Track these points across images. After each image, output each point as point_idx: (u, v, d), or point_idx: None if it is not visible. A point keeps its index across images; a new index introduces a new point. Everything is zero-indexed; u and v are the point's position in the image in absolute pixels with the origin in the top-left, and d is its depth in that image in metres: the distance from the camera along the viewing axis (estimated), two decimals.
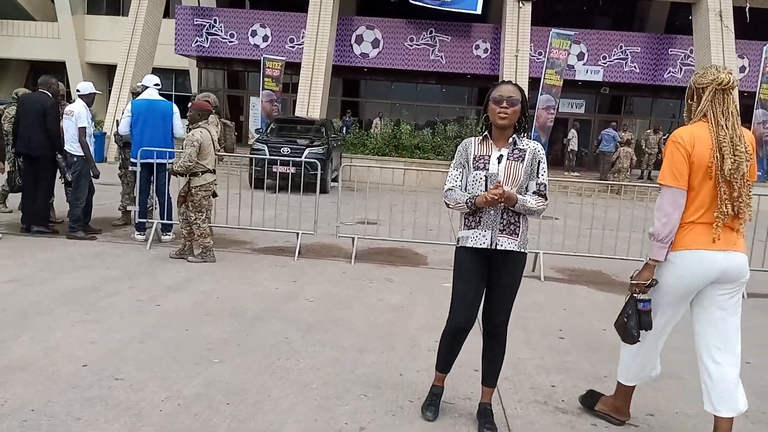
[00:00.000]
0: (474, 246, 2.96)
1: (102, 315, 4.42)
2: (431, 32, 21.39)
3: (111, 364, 3.55)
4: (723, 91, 2.77)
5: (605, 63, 21.19)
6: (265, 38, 21.68)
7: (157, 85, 7.29)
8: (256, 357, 3.80)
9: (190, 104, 6.64)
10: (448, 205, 3.04)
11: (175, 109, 7.27)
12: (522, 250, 2.98)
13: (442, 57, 21.55)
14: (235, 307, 4.83)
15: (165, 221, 7.15)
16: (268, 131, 14.80)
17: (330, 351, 3.99)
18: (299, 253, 6.81)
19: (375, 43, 21.64)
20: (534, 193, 2.96)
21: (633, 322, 2.95)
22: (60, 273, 5.49)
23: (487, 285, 3.05)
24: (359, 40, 21.66)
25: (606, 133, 17.77)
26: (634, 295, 2.96)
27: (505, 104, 2.90)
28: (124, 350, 3.78)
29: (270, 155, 13.00)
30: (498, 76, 20.23)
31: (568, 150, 18.87)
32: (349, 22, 21.46)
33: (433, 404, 3.18)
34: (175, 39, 21.75)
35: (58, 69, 24.04)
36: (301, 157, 13.18)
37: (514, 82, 3.08)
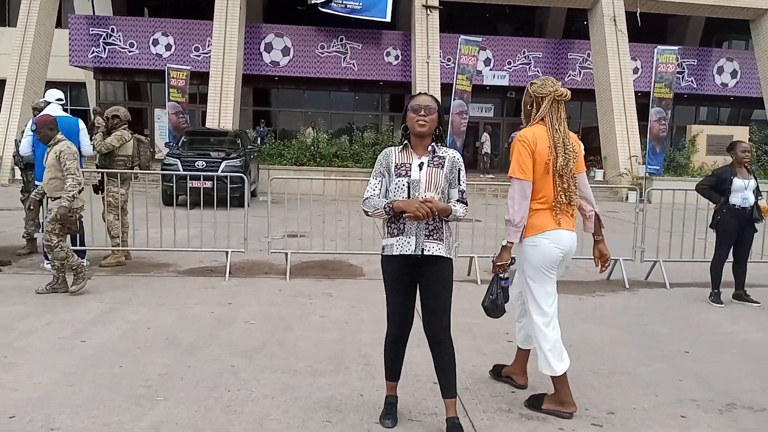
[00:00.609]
0: (400, 253, 2.99)
1: (20, 357, 3.98)
2: (342, 39, 21.34)
3: (41, 413, 3.18)
4: (558, 101, 3.32)
5: (510, 68, 21.97)
6: (168, 47, 20.81)
7: (60, 100, 6.78)
8: (203, 390, 3.54)
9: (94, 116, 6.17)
10: (366, 213, 3.07)
11: (82, 125, 6.76)
12: (449, 256, 3.04)
13: (354, 64, 21.54)
14: (169, 336, 4.50)
15: (78, 247, 6.61)
16: (179, 145, 14.17)
17: (281, 376, 3.78)
18: (229, 272, 6.50)
19: (285, 51, 21.31)
20: (457, 200, 3.06)
21: (500, 299, 3.37)
22: None
23: (420, 294, 3.10)
24: (269, 47, 21.26)
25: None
26: (499, 275, 3.35)
27: (423, 113, 3.01)
28: (53, 396, 3.41)
29: (183, 170, 12.49)
30: (410, 82, 20.52)
31: (482, 153, 19.41)
32: (256, 30, 21.02)
33: (390, 413, 3.19)
34: (70, 50, 20.43)
35: None
36: (217, 170, 12.78)
37: (429, 93, 3.22)
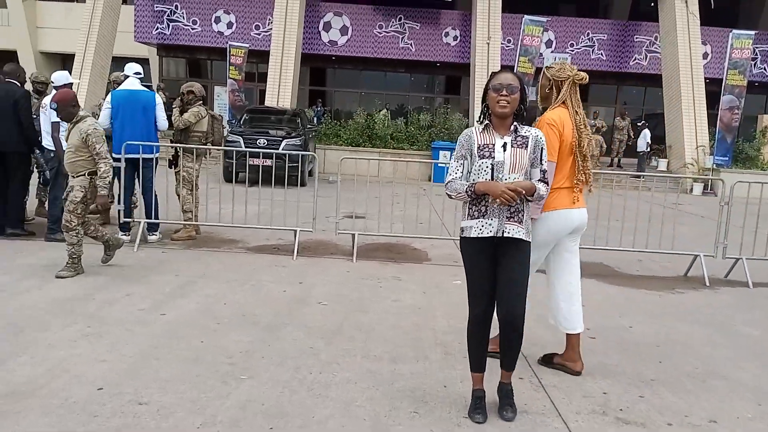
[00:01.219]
0: (480, 236, 2.98)
1: (104, 328, 4.04)
2: (400, 19, 21.09)
3: (130, 386, 3.21)
4: (577, 84, 3.52)
5: (573, 50, 21.30)
6: (229, 25, 20.99)
7: (138, 74, 6.81)
8: (286, 371, 3.51)
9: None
10: (450, 196, 3.09)
11: (159, 99, 6.82)
12: (527, 239, 3.02)
13: (411, 44, 21.29)
14: (246, 313, 4.51)
15: (151, 220, 6.73)
16: (241, 122, 14.30)
17: (362, 361, 3.73)
18: (297, 252, 6.50)
19: (344, 30, 21.21)
20: (539, 180, 3.04)
21: None
22: (46, 281, 5.05)
23: (497, 275, 3.03)
24: (327, 27, 21.19)
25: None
26: None
27: (505, 92, 2.93)
28: (140, 369, 3.44)
29: (245, 147, 12.58)
30: (468, 64, 20.14)
31: None
32: (316, 8, 20.96)
33: (479, 408, 3.09)
34: (135, 26, 20.85)
35: (7, 58, 22.76)
36: (278, 148, 12.84)
37: (512, 71, 3.09)
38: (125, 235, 6.63)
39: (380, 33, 21.22)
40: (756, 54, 20.75)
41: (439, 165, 14.87)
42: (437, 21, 21.21)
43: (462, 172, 3.07)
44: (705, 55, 20.57)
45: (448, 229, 7.51)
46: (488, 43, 18.20)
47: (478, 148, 3.02)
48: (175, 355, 3.65)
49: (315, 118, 19.75)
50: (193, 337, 3.97)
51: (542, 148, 3.06)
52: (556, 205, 3.47)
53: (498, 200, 2.88)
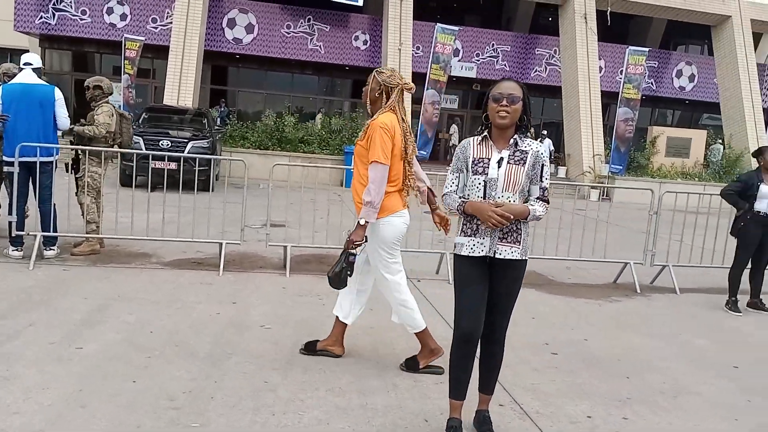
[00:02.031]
0: (470, 254, 2.83)
1: (11, 369, 3.34)
2: (309, 20, 20.60)
3: None
4: (405, 92, 3.60)
5: (478, 60, 21.80)
6: (123, 16, 19.54)
7: (29, 64, 5.90)
8: (244, 414, 3.03)
9: None
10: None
11: (59, 95, 5.96)
12: (523, 258, 2.86)
13: (320, 47, 20.86)
14: (179, 343, 3.94)
15: (49, 233, 5.87)
16: (140, 122, 13.22)
17: (327, 395, 3.31)
18: (222, 266, 5.92)
19: (249, 29, 20.40)
20: (537, 198, 2.84)
21: (345, 272, 3.52)
22: None
23: (488, 296, 2.88)
24: (231, 23, 20.29)
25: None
26: (350, 250, 3.47)
27: (505, 102, 2.74)
28: (65, 420, 2.83)
29: (147, 149, 11.62)
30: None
31: (450, 144, 19.13)
32: (219, 4, 20.01)
33: None
34: (15, 14, 18.87)
35: None
36: (183, 151, 11.98)
37: (515, 79, 2.88)
38: (17, 250, 5.75)
39: (288, 33, 20.62)
40: (645, 69, 22.25)
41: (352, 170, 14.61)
42: (347, 24, 20.94)
43: (458, 186, 2.92)
44: (599, 69, 21.79)
45: None
46: (400, 49, 18.16)
47: (473, 162, 2.84)
48: (105, 401, 3.05)
49: (219, 119, 18.82)
50: (123, 376, 3.37)
51: (543, 164, 2.84)
52: (392, 208, 3.56)
53: (486, 223, 2.73)
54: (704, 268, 6.89)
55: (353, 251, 3.50)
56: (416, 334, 3.76)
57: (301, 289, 5.48)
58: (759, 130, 19.71)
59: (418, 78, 18.41)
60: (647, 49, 18.40)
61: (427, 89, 16.78)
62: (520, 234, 2.81)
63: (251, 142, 16.55)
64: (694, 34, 24.63)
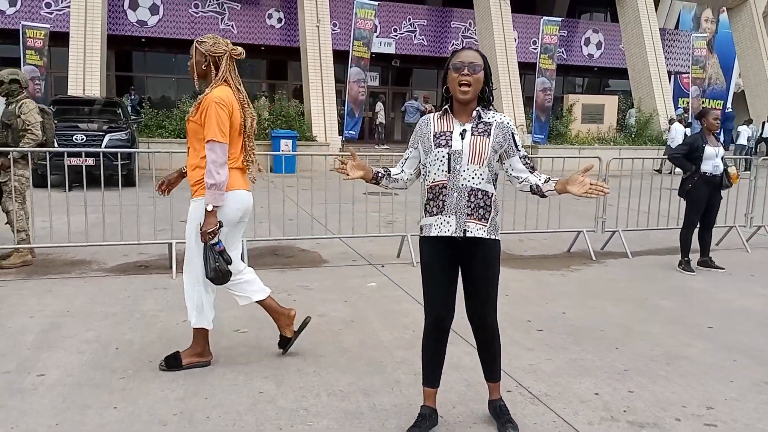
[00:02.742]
0: (438, 234, 2.65)
1: None
2: None
3: None
4: (234, 59, 3.38)
5: (396, 36, 21.64)
6: (12, 2, 17.85)
7: None
8: (249, 430, 2.79)
9: None
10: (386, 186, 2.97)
11: None
12: (493, 237, 2.68)
13: (233, 26, 20.00)
14: (153, 358, 3.60)
15: None
16: None
17: (331, 400, 3.12)
18: (175, 268, 5.52)
19: (153, 9, 19.22)
20: (525, 168, 2.74)
21: (221, 264, 3.25)
22: None
23: (462, 280, 2.76)
24: (134, 5, 19.04)
25: (410, 105, 18.21)
26: (210, 242, 3.22)
27: (466, 71, 2.59)
28: None
29: (59, 145, 10.72)
30: (295, 47, 19.50)
31: (377, 123, 18.94)
32: None
33: (418, 425, 2.76)
34: None
35: None
36: (100, 145, 11.15)
37: (475, 48, 2.77)
38: None
39: (196, 13, 19.60)
40: (557, 39, 22.86)
41: (281, 155, 14.17)
42: (259, 2, 20.15)
43: (405, 159, 2.87)
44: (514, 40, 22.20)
45: (320, 223, 6.85)
46: (318, 27, 17.66)
47: (434, 136, 2.69)
48: None
49: (130, 108, 17.69)
50: (102, 403, 3.02)
51: (513, 133, 2.72)
52: (234, 185, 3.31)
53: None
54: (647, 230, 7.15)
55: (214, 241, 3.23)
56: (195, 329, 3.45)
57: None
58: (665, 93, 20.80)
59: (339, 56, 18.10)
60: (560, 19, 18.88)
61: (351, 67, 16.46)
62: (489, 210, 2.65)
63: (170, 131, 15.67)
64: (598, 2, 25.58)
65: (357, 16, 16.25)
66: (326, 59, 17.21)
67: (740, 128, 21.04)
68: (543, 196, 2.75)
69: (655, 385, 3.38)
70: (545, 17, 18.20)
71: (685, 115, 20.62)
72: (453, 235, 2.63)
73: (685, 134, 18.95)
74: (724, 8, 25.89)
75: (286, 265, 5.98)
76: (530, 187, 2.75)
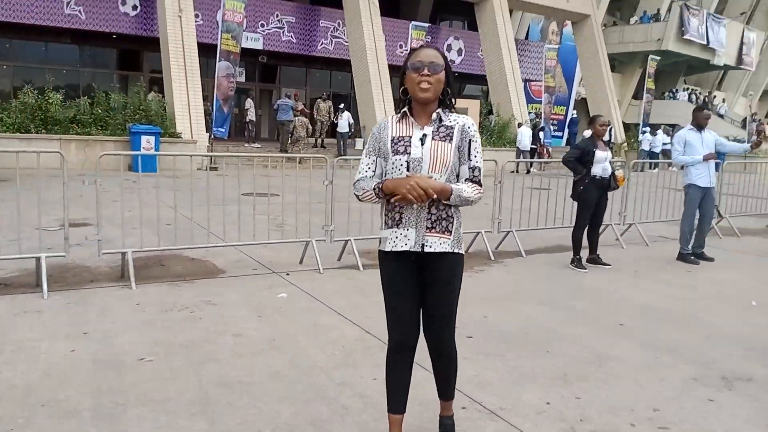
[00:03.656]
0: (393, 249, 2.47)
1: None
2: None
3: None
4: None
5: (264, 31, 20.93)
6: None
7: None
8: None
9: None
10: (358, 198, 2.55)
11: None
12: (456, 251, 2.51)
13: (80, 12, 18.13)
14: (45, 401, 2.96)
15: None
16: None
17: None
18: (46, 287, 4.72)
19: None
20: (467, 180, 2.49)
21: None
22: None
23: (422, 295, 2.55)
24: None
25: (283, 103, 17.65)
26: None
27: (426, 71, 2.40)
28: None
29: None
30: (151, 38, 18.23)
31: (247, 120, 18.12)
32: None
33: None
34: None
35: None
36: None
37: (434, 46, 2.60)
38: None
39: None
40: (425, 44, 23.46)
41: (143, 154, 13.04)
42: None
43: (374, 171, 2.53)
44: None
45: (204, 227, 6.14)
46: (180, 16, 16.51)
47: (392, 141, 2.48)
48: None
49: None
50: None
51: (470, 140, 2.49)
52: None
53: (402, 200, 2.36)
54: (536, 230, 7.43)
55: None
56: None
57: (162, 304, 4.59)
58: (521, 100, 22.17)
59: (203, 49, 17.08)
60: (427, 25, 19.38)
61: (220, 61, 15.58)
62: (452, 222, 2.46)
63: (8, 125, 13.80)
64: (458, 10, 26.65)
65: (225, 8, 15.41)
66: (190, 51, 16.16)
67: (645, 136, 23.21)
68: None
69: (598, 389, 3.40)
70: (414, 22, 18.59)
71: (538, 120, 22.11)
72: (411, 249, 2.44)
73: (537, 137, 20.42)
74: (568, 22, 28.26)
75: (178, 277, 5.37)
76: None
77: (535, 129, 20.36)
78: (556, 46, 23.96)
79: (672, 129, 25.11)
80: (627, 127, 27.11)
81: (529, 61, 26.83)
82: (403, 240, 2.44)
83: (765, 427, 3.03)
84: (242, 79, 22.26)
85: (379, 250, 2.55)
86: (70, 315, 4.26)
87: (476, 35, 24.04)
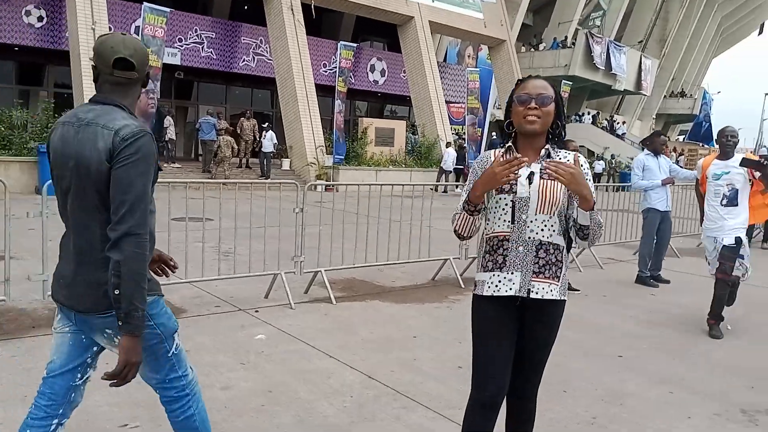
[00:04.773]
0: (495, 294, 2.24)
1: None
2: None
3: None
4: None
5: (182, 46, 20.01)
6: None
7: None
8: None
9: None
10: (457, 232, 2.32)
11: None
12: (563, 298, 2.30)
13: None
14: None
15: None
16: None
17: None
18: None
19: None
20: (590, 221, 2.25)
21: None
22: None
23: (517, 347, 2.34)
24: None
25: (205, 121, 16.88)
26: None
27: (533, 104, 2.22)
28: None
29: None
30: (58, 50, 16.95)
31: (166, 139, 17.11)
32: None
33: None
34: None
35: None
36: None
37: (542, 77, 2.38)
38: None
39: None
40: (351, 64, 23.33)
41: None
42: None
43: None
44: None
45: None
46: (94, 29, 15.41)
47: None
48: None
49: None
50: None
51: (588, 179, 2.23)
52: None
53: (504, 174, 2.11)
54: None
55: None
56: None
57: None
58: (444, 121, 22.48)
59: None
60: (355, 45, 19.24)
61: None
62: (561, 267, 2.26)
63: None
64: (379, 32, 26.80)
65: (145, 22, 14.52)
66: None
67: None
68: (582, 230, 2.27)
69: (614, 424, 3.23)
70: (342, 42, 18.36)
71: (462, 140, 22.46)
72: (516, 294, 2.21)
73: (463, 157, 20.74)
74: (483, 46, 29.17)
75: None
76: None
77: (462, 150, 20.64)
78: (478, 69, 24.55)
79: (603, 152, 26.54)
80: None
81: (449, 83, 27.36)
82: (507, 285, 2.23)
83: None
84: (156, 95, 21.15)
85: (475, 295, 2.33)
86: (20, 371, 3.60)
87: (398, 56, 24.24)
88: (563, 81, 25.37)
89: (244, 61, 21.36)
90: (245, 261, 5.54)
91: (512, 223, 2.23)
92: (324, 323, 4.90)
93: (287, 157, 19.16)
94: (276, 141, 17.95)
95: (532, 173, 2.25)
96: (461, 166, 20.04)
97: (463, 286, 6.39)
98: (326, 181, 17.22)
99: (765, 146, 31.43)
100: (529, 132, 2.24)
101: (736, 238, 5.00)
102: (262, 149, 17.90)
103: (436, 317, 5.28)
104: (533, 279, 2.22)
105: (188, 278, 5.19)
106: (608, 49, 32.09)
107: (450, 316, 5.31)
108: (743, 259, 5.13)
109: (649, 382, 3.96)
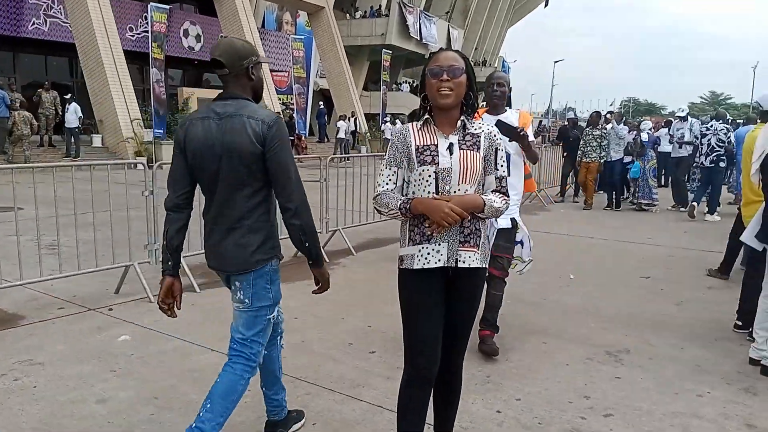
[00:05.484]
0: (426, 267, 2.26)
1: None
2: None
3: None
4: None
5: None
6: None
7: None
8: None
9: None
10: (380, 212, 2.36)
11: None
12: (484, 266, 2.37)
13: None
14: None
15: None
16: None
17: None
18: None
19: None
20: (494, 190, 2.33)
21: None
22: None
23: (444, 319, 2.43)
24: None
25: None
26: None
27: (446, 76, 2.25)
28: None
29: None
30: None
31: None
32: None
33: None
34: None
35: None
36: None
37: (455, 49, 2.45)
38: None
39: None
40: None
41: None
42: None
43: (395, 183, 2.32)
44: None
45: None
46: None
47: (417, 150, 2.28)
48: None
49: None
50: None
51: (497, 148, 2.33)
52: None
53: (437, 227, 2.19)
54: (360, 226, 7.35)
55: None
56: None
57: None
58: (270, 90, 21.85)
59: None
60: (168, 6, 17.76)
61: None
62: (480, 236, 2.30)
63: None
64: None
65: None
66: None
67: (338, 123, 23.40)
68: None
69: (526, 387, 3.44)
70: (154, 3, 16.83)
71: (290, 111, 22.09)
72: (445, 265, 2.24)
73: (292, 126, 20.42)
74: (301, 13, 28.74)
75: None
76: None
77: (291, 120, 20.31)
78: (302, 37, 24.12)
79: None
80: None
81: (272, 51, 26.60)
82: (435, 256, 2.23)
83: (673, 395, 3.38)
84: None
85: (402, 269, 2.29)
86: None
87: (214, 20, 22.95)
88: (383, 50, 25.98)
89: (34, 24, 18.73)
90: (74, 254, 4.87)
91: (436, 193, 2.23)
92: (194, 315, 4.50)
93: (97, 133, 17.32)
94: (81, 114, 16.01)
95: (451, 144, 2.26)
96: (292, 137, 19.72)
97: (327, 261, 6.30)
98: (147, 158, 15.90)
99: (572, 108, 34.89)
100: (444, 106, 2.26)
101: (510, 219, 3.83)
102: (66, 125, 15.92)
103: (311, 295, 5.13)
104: (460, 248, 2.25)
105: (23, 279, 4.45)
106: (420, 19, 33.47)
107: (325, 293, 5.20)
108: (522, 246, 4.05)
109: (521, 334, 4.24)
